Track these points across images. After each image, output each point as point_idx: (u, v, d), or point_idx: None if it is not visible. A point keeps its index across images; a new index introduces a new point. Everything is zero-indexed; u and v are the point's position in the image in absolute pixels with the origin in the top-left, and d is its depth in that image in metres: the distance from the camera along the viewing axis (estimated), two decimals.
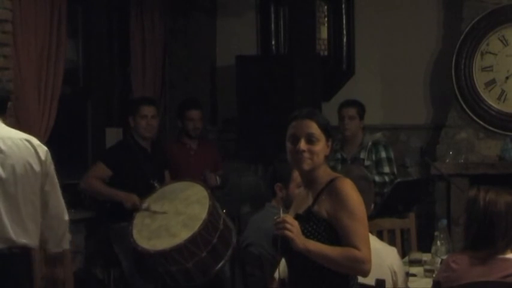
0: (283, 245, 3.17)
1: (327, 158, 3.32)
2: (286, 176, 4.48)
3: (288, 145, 3.29)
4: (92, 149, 6.97)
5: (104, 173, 5.90)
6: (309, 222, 3.22)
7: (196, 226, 5.03)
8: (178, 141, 6.65)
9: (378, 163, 6.25)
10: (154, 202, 5.54)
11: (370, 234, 3.75)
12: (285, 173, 4.51)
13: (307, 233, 3.20)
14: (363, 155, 6.26)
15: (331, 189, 3.22)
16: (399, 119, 7.64)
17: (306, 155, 3.24)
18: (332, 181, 3.24)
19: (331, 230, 3.18)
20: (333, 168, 6.15)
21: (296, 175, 5.75)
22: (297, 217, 3.28)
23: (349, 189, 3.20)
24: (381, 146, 6.33)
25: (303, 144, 3.24)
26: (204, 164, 6.53)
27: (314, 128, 3.26)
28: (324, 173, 3.30)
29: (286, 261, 3.37)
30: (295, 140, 3.26)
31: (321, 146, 3.27)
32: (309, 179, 3.33)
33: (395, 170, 6.32)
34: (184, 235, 5.04)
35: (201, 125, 6.59)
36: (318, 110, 3.48)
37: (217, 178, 6.55)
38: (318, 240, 3.18)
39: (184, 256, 5.00)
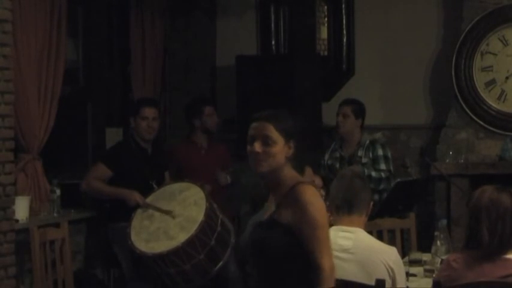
0: None
1: (290, 159, 3.24)
2: None
3: (247, 146, 3.27)
4: (92, 149, 6.96)
5: (104, 174, 5.89)
6: (272, 229, 3.18)
7: (193, 229, 5.03)
8: (189, 141, 6.64)
9: (375, 161, 6.26)
10: (153, 203, 5.55)
11: (367, 234, 3.75)
12: None
13: (269, 240, 3.17)
14: (360, 153, 6.28)
15: (292, 195, 3.17)
16: (399, 119, 7.63)
17: (261, 157, 3.20)
18: (294, 187, 3.18)
19: (292, 237, 3.13)
20: (332, 167, 6.24)
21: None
22: (260, 224, 3.26)
23: (309, 196, 3.14)
24: (378, 144, 6.34)
25: (257, 146, 3.21)
26: (215, 162, 6.53)
27: (270, 131, 3.21)
28: (288, 176, 3.24)
29: (254, 268, 3.32)
30: (252, 142, 3.24)
31: (278, 148, 3.20)
32: (272, 183, 3.28)
33: (391, 168, 6.31)
34: (181, 238, 5.04)
35: (217, 119, 6.65)
36: (284, 111, 3.35)
37: (228, 177, 6.56)
38: (279, 247, 3.15)
39: (182, 258, 5.01)
